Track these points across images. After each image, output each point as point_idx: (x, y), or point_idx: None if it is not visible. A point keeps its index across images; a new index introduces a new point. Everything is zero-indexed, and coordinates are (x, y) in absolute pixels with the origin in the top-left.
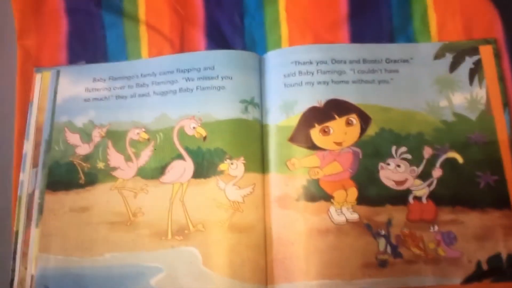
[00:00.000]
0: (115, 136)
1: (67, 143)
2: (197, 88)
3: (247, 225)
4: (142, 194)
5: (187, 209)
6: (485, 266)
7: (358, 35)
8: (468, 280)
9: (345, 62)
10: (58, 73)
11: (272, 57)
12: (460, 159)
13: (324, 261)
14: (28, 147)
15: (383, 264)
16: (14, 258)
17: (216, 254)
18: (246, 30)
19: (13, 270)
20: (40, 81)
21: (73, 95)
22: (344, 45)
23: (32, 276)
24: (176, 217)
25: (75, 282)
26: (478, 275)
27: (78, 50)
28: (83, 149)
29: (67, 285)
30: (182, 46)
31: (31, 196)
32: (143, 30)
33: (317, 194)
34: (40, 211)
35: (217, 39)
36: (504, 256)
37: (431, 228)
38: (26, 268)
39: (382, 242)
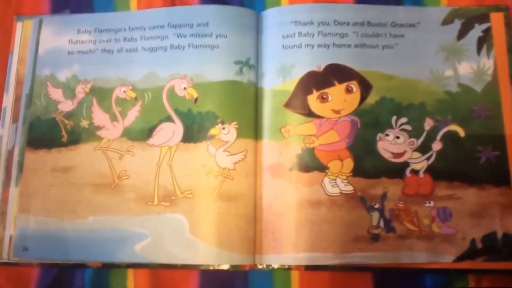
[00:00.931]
0: (100, 93)
1: (49, 98)
2: (189, 46)
3: (237, 194)
4: (128, 156)
5: (175, 174)
6: (479, 244)
7: None
8: (461, 258)
9: (348, 24)
10: (40, 22)
11: (270, 15)
12: (461, 133)
13: (315, 233)
14: (7, 100)
15: (375, 238)
16: None
17: (204, 222)
18: None
19: None
20: (21, 30)
21: (56, 47)
22: (348, 5)
23: (10, 237)
24: (163, 182)
25: (55, 244)
26: (471, 253)
27: None
28: (66, 106)
29: (47, 247)
30: None
31: (10, 153)
32: None
33: (312, 163)
34: (20, 169)
35: None
36: (499, 234)
37: (427, 203)
38: (4, 228)
39: (375, 215)
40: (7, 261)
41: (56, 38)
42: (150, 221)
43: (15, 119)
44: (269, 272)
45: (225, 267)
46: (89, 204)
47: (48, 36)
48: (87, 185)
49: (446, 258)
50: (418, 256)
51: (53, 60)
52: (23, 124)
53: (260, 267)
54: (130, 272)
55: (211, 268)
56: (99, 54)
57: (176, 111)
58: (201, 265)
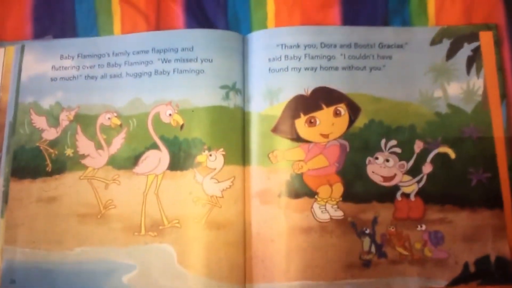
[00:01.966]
0: (85, 121)
1: (33, 127)
2: (174, 71)
3: (226, 222)
4: (113, 185)
5: (161, 203)
6: (472, 268)
7: (350, 16)
8: (455, 282)
9: (335, 46)
10: (22, 48)
11: (256, 38)
12: (452, 155)
13: (306, 260)
14: None
15: (366, 264)
16: None
17: (192, 252)
18: (229, 6)
19: None
20: (3, 56)
21: (39, 73)
22: (334, 28)
23: None
24: (150, 211)
25: (43, 276)
26: (465, 277)
27: (45, 23)
28: (50, 134)
29: (34, 279)
30: (158, 22)
31: None
32: (115, 3)
33: (301, 189)
34: (5, 200)
35: (197, 15)
36: (492, 258)
37: (418, 227)
38: None
39: (366, 241)
40: None
41: (39, 65)
42: (137, 252)
43: None
44: None
45: None
46: (76, 235)
47: (31, 62)
48: (73, 215)
49: (439, 283)
50: (410, 281)
51: (36, 87)
52: (7, 154)
53: None
54: None
55: None
56: (82, 81)
57: (162, 138)
58: None
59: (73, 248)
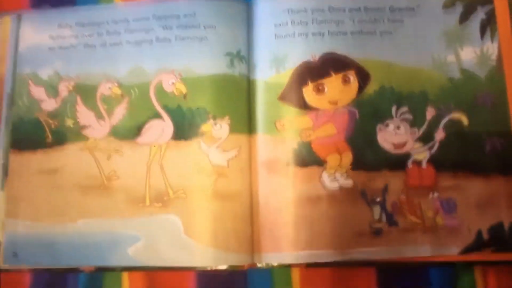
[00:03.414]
0: (85, 91)
1: (31, 98)
2: (176, 38)
3: (232, 192)
4: (116, 156)
5: (166, 174)
6: (485, 236)
7: None
8: (467, 250)
9: (344, 11)
10: (19, 18)
11: (261, 4)
12: (465, 121)
13: (315, 230)
14: None
15: (377, 232)
16: None
17: (199, 223)
18: None
19: None
20: (0, 27)
21: (36, 43)
22: None
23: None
24: (154, 182)
25: (46, 249)
26: (478, 244)
27: None
28: (49, 105)
29: (37, 252)
30: None
31: None
32: None
33: (309, 158)
34: (5, 172)
35: None
36: (506, 225)
37: (430, 194)
38: None
39: (377, 209)
40: None
41: (37, 34)
42: (142, 223)
43: None
44: (269, 271)
45: (223, 267)
46: (78, 207)
47: (28, 32)
48: (75, 187)
49: (452, 251)
50: (422, 249)
51: (34, 57)
52: (6, 125)
53: (259, 265)
54: (125, 275)
55: (209, 268)
56: (81, 49)
57: (165, 107)
58: (198, 267)
59: (76, 220)
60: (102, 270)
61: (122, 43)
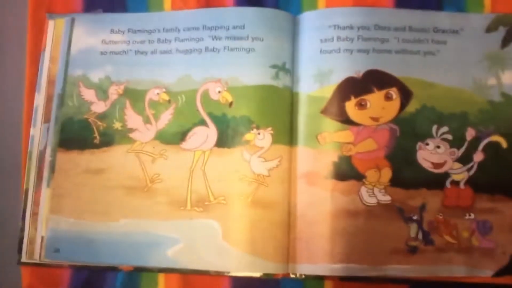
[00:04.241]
0: (134, 95)
1: (81, 99)
2: (224, 49)
3: (271, 201)
4: (160, 159)
5: (208, 179)
6: None
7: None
8: (500, 273)
9: (389, 29)
10: (72, 21)
11: (307, 19)
12: (504, 144)
13: (351, 244)
14: (39, 100)
15: (413, 250)
16: (24, 218)
17: (237, 229)
18: None
19: (23, 230)
20: (53, 29)
21: (88, 47)
22: (389, 10)
23: (42, 238)
24: (196, 187)
25: (87, 246)
26: (511, 268)
27: None
28: (99, 107)
29: (79, 249)
30: None
31: (42, 153)
32: None
33: (348, 172)
34: (52, 169)
35: None
36: None
37: (467, 215)
38: (36, 229)
39: (413, 227)
40: (38, 262)
41: (89, 38)
42: (182, 226)
43: (46, 119)
44: (302, 282)
45: (257, 274)
46: (121, 206)
47: (81, 36)
48: (119, 187)
49: (485, 273)
50: (456, 269)
51: (86, 60)
52: (55, 124)
53: (292, 276)
54: (161, 277)
55: (243, 275)
56: (132, 55)
57: (210, 115)
58: (233, 272)
59: (118, 219)
60: (139, 270)
61: (172, 51)
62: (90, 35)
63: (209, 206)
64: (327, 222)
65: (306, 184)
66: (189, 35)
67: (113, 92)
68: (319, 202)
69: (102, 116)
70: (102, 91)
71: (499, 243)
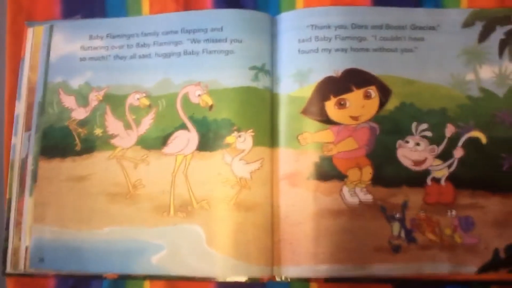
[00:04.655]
0: (114, 101)
1: (62, 106)
2: (203, 51)
3: (254, 203)
4: (142, 165)
5: (190, 184)
6: (502, 255)
7: None
8: (484, 268)
9: (366, 28)
10: (51, 28)
11: (286, 19)
12: (483, 139)
13: (334, 244)
14: (20, 108)
15: (396, 249)
16: (8, 227)
17: (221, 233)
18: None
19: (6, 240)
20: (32, 36)
21: (68, 53)
22: (366, 8)
23: (26, 248)
24: (179, 192)
25: (72, 255)
26: (494, 263)
27: (74, 2)
28: (79, 113)
29: (63, 258)
30: (187, 2)
31: (24, 162)
32: None
33: (330, 172)
34: (34, 178)
35: None
36: None
37: (449, 212)
38: (20, 239)
39: (396, 226)
40: (23, 272)
41: (68, 44)
42: (166, 232)
43: (27, 128)
44: (287, 284)
45: (243, 278)
46: (105, 214)
47: (60, 42)
48: (102, 194)
49: (469, 269)
50: (440, 267)
51: (65, 66)
52: (36, 133)
53: (278, 279)
54: (147, 284)
55: (229, 280)
56: (111, 61)
57: (191, 118)
58: (219, 278)
59: (102, 227)
60: (124, 278)
61: (151, 55)
62: (69, 42)
63: (192, 211)
64: (310, 223)
65: (289, 185)
66: (168, 39)
67: (93, 98)
68: (302, 203)
69: (82, 123)
70: (82, 98)
71: (482, 238)
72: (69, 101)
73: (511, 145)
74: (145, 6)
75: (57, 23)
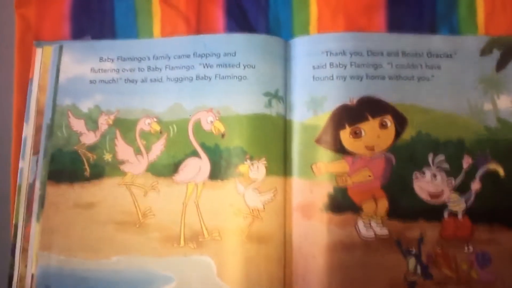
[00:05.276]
0: (124, 125)
1: (71, 130)
2: (215, 77)
3: (267, 235)
4: (152, 193)
5: (201, 214)
6: None
7: (396, 22)
8: None
9: (382, 54)
10: (60, 48)
11: (300, 44)
12: (501, 172)
13: (348, 278)
14: (28, 131)
15: (411, 285)
16: (14, 254)
17: (232, 266)
18: (271, 8)
19: (12, 266)
20: (41, 56)
21: (77, 75)
22: (381, 34)
23: (32, 275)
24: (189, 222)
25: (78, 284)
26: None
27: (83, 22)
28: (89, 138)
29: (70, 287)
30: (199, 24)
31: (31, 186)
32: (156, 3)
33: (344, 204)
34: (41, 204)
35: (238, 17)
36: None
37: (466, 247)
38: (26, 266)
39: (412, 261)
40: None
41: (78, 66)
42: (176, 263)
43: (35, 151)
44: None
45: None
46: (113, 243)
47: (69, 64)
48: (110, 222)
49: None
50: None
51: (75, 89)
52: (44, 157)
53: None
54: None
55: None
56: (122, 84)
57: (203, 145)
58: None
59: (110, 256)
60: None
61: (163, 79)
62: (79, 63)
63: (203, 242)
64: (323, 256)
65: (302, 217)
66: (180, 63)
67: (103, 122)
68: (315, 236)
69: (92, 148)
70: (91, 121)
71: (499, 275)
72: (78, 125)
73: None
74: (156, 27)
75: (67, 43)
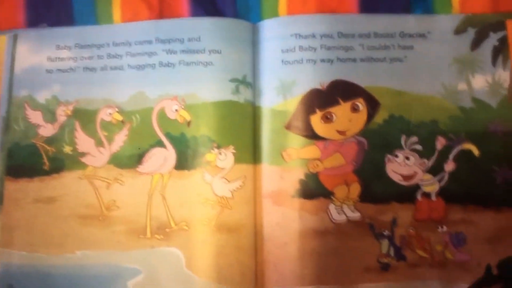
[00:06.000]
0: (84, 116)
1: (28, 122)
2: (180, 63)
3: (236, 224)
4: (116, 185)
5: (168, 205)
6: (495, 271)
7: (369, 4)
8: (476, 285)
9: (353, 36)
10: (15, 37)
11: (268, 27)
12: (476, 152)
13: (321, 264)
14: None
15: (385, 267)
16: None
17: (201, 256)
18: None
19: None
20: None
21: (33, 65)
22: (353, 16)
23: None
24: (156, 213)
25: (43, 281)
26: (487, 280)
27: (39, 10)
28: (47, 130)
29: (34, 284)
30: (162, 9)
31: None
32: None
33: (316, 189)
34: (0, 200)
35: (204, 0)
36: None
37: (439, 228)
38: None
39: (385, 243)
40: None
41: (34, 55)
42: (143, 256)
43: None
44: None
45: None
46: (77, 237)
47: (25, 53)
48: (73, 216)
49: (461, 287)
50: (431, 285)
51: (31, 79)
52: (1, 151)
53: None
54: None
55: None
56: (80, 73)
57: (168, 135)
58: None
59: (74, 251)
60: None
61: (124, 67)
62: (35, 52)
63: (171, 233)
64: (295, 243)
65: (272, 204)
66: (142, 49)
67: (61, 113)
68: (287, 223)
69: (50, 140)
70: (49, 113)
71: (474, 255)
72: (35, 117)
73: (503, 158)
74: (116, 13)
75: (22, 32)
